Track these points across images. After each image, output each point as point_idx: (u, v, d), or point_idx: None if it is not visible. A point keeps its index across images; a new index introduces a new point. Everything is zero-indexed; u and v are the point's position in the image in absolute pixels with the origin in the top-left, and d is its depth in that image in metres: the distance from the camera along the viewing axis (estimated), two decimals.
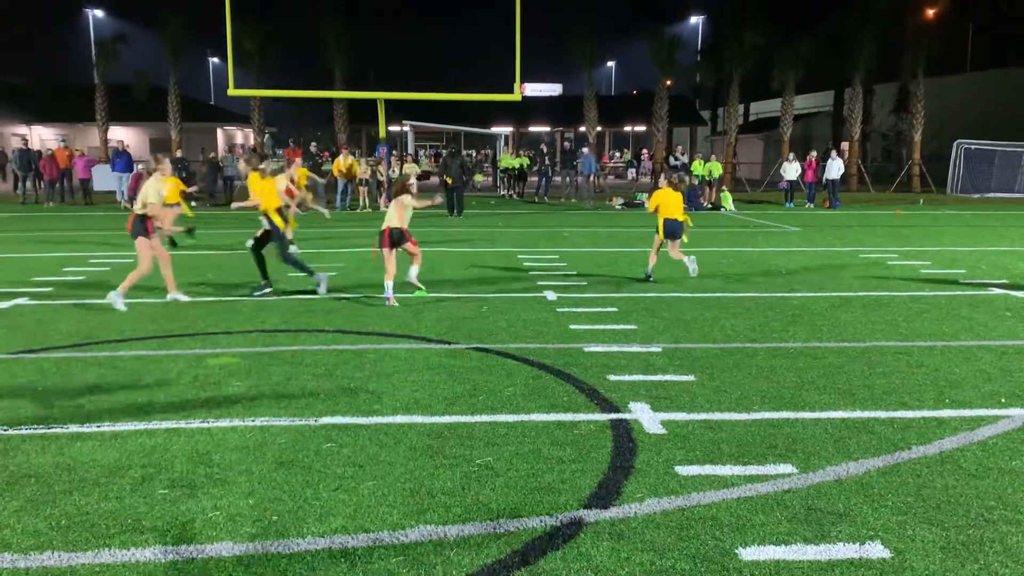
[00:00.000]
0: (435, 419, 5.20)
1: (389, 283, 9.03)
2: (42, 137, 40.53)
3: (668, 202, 10.79)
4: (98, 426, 5.05)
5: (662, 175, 11.59)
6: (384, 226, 9.03)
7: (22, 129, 41.08)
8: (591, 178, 25.86)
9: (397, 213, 9.02)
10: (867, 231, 17.58)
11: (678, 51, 34.94)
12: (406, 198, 9.08)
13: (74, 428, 5.01)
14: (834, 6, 35.59)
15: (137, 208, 8.86)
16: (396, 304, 8.91)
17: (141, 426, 5.05)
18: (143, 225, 8.83)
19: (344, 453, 4.61)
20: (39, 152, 27.70)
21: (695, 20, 50.60)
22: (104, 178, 27.75)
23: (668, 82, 35.68)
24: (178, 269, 11.70)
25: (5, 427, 5.03)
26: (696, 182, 23.76)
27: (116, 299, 8.72)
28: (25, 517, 3.82)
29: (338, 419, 5.18)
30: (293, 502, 3.98)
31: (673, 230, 10.80)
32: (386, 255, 9.04)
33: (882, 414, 5.35)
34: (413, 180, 9.42)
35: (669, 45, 34.21)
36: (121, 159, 25.16)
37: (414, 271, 9.49)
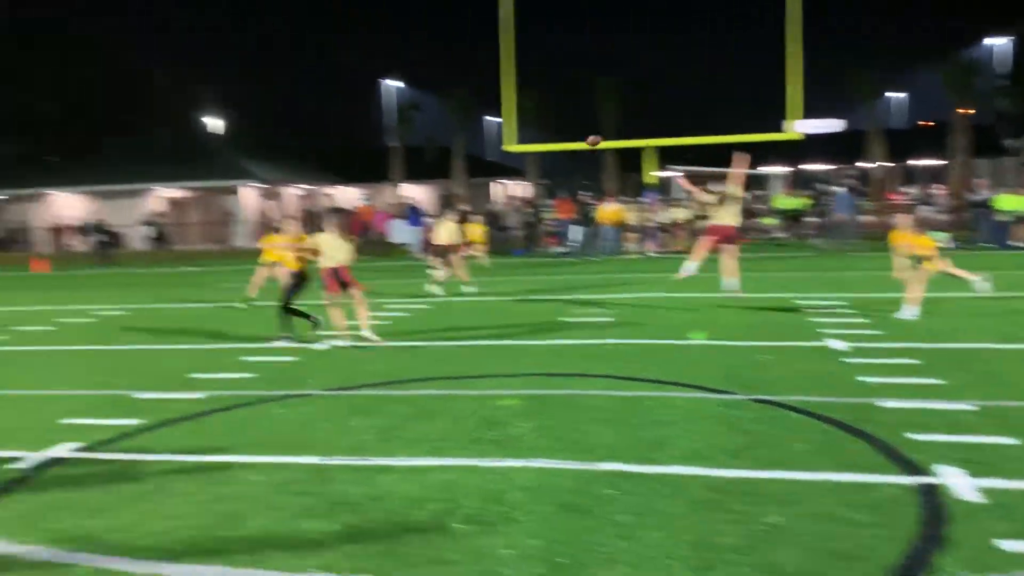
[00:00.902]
0: (717, 472, 5.06)
1: (692, 264, 11.49)
2: (347, 196, 45.61)
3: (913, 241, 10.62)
4: (401, 460, 5.50)
5: (900, 216, 11.28)
6: (720, 222, 11.34)
7: (330, 189, 46.55)
8: (850, 218, 24.01)
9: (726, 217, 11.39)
10: None
11: (976, 77, 31.75)
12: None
13: (381, 461, 5.50)
14: None
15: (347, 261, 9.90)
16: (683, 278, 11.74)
17: (437, 462, 5.43)
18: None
19: (625, 500, 4.63)
20: (346, 210, 31.20)
21: (996, 42, 45.71)
22: (395, 231, 30.58)
23: (966, 111, 32.48)
24: (464, 315, 12.55)
25: (324, 457, 5.63)
26: (1006, 218, 21.28)
27: (371, 337, 9.80)
28: (344, 544, 4.23)
29: (618, 466, 5.21)
30: (579, 546, 4.05)
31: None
32: (703, 245, 11.43)
33: None
34: (709, 200, 11.81)
35: (966, 71, 31.22)
36: (415, 214, 27.60)
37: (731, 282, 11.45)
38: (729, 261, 11.88)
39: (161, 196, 39.75)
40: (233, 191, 38.69)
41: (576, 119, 40.65)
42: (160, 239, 34.20)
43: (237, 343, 10.46)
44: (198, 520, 4.58)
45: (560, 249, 25.03)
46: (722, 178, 12.05)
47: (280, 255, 10.35)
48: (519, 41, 24.03)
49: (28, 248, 38.25)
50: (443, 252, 15.54)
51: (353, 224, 28.79)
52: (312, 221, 41.34)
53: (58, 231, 38.90)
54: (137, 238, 35.17)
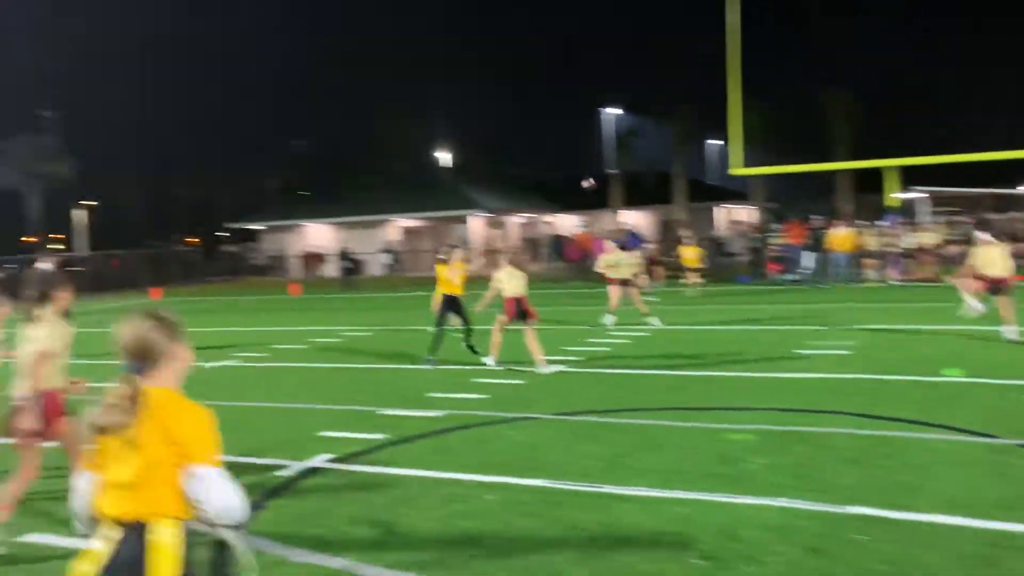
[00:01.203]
0: (987, 524, 4.55)
1: (976, 303, 11.03)
2: (566, 224, 46.42)
3: None
4: (629, 489, 5.44)
5: None
6: (989, 273, 10.88)
7: (550, 217, 47.59)
8: None
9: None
10: None
11: None
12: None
13: (609, 488, 5.48)
14: None
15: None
16: (977, 311, 11.02)
17: (671, 494, 5.31)
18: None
19: (879, 548, 4.28)
20: (565, 237, 31.82)
21: None
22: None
23: None
24: (688, 343, 12.27)
25: (553, 481, 5.70)
26: None
27: (546, 366, 10.10)
28: (576, 568, 4.25)
29: (868, 510, 4.84)
30: None
31: None
32: (971, 285, 11.06)
33: None
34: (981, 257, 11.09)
35: None
36: (635, 240, 27.53)
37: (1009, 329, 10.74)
38: (1007, 311, 10.86)
39: (398, 226, 42.59)
40: (462, 220, 40.66)
41: (807, 137, 38.67)
42: (396, 265, 36.63)
43: (467, 365, 10.91)
44: (441, 535, 4.79)
45: (789, 276, 23.88)
46: (973, 200, 11.12)
47: (447, 282, 11.12)
48: (745, 58, 23.16)
49: (283, 274, 42.35)
50: (619, 283, 15.20)
51: (572, 251, 29.24)
52: (533, 250, 42.65)
53: (309, 258, 42.75)
54: (376, 264, 37.86)
